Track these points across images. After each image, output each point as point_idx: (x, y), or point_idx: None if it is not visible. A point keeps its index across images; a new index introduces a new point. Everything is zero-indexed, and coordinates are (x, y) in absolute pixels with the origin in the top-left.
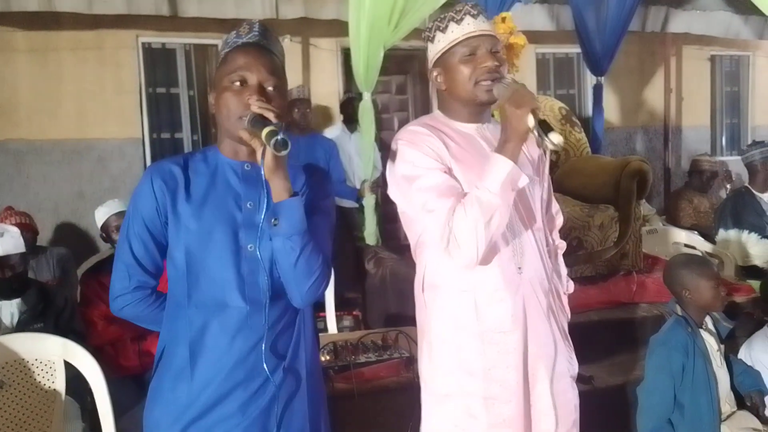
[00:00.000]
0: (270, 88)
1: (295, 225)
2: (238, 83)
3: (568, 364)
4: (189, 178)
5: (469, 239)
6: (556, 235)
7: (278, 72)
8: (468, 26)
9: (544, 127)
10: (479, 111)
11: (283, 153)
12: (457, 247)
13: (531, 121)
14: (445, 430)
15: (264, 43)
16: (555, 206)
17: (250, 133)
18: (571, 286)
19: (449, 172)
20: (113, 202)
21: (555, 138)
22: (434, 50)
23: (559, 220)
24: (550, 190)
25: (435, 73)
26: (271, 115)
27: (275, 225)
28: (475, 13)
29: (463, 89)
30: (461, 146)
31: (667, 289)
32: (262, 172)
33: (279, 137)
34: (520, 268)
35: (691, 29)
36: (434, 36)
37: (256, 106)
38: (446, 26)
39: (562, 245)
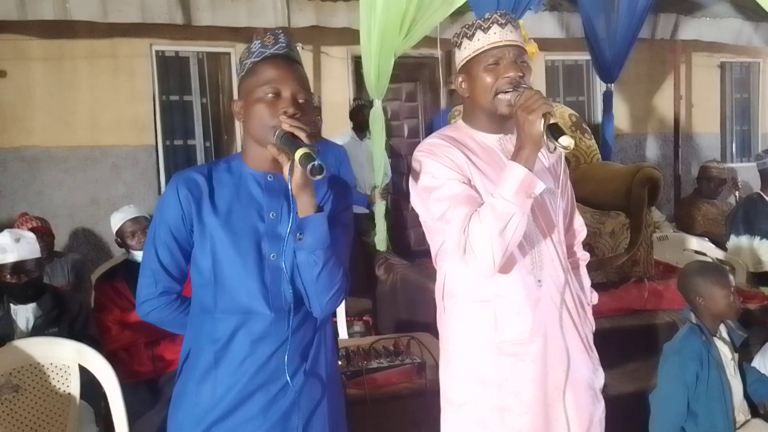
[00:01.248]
0: (301, 101)
1: (320, 240)
2: (271, 95)
3: (592, 376)
4: (213, 188)
5: (484, 247)
6: (579, 246)
7: (307, 85)
8: (494, 35)
9: (555, 130)
10: (501, 121)
11: (319, 178)
12: (474, 256)
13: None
14: None
15: (292, 55)
16: (579, 219)
17: (279, 149)
18: (595, 298)
19: (468, 182)
20: (129, 208)
21: (565, 141)
22: (460, 57)
23: (583, 233)
24: (572, 203)
25: (460, 80)
26: (303, 135)
27: (300, 240)
28: (503, 22)
29: (484, 98)
30: (481, 158)
31: (682, 296)
32: (290, 187)
33: (316, 163)
34: (539, 280)
35: (701, 36)
36: (461, 42)
37: (287, 124)
38: (473, 34)
39: (585, 257)
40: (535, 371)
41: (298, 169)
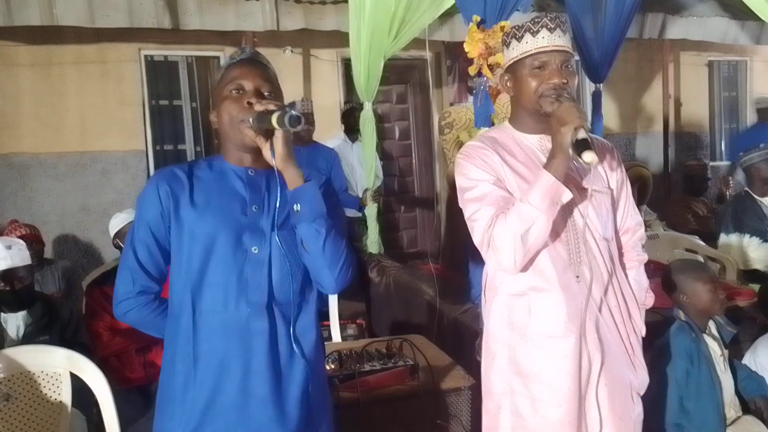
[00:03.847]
0: (266, 93)
1: (317, 207)
2: (235, 91)
3: (631, 377)
4: (193, 184)
5: (506, 246)
6: (635, 247)
7: (272, 79)
8: (542, 40)
9: (581, 145)
10: (544, 121)
11: (300, 128)
12: (495, 253)
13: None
14: (496, 428)
15: (256, 57)
16: (635, 218)
17: (256, 131)
18: (650, 300)
19: (500, 183)
20: (132, 210)
21: (587, 157)
22: (508, 56)
23: (640, 232)
24: (626, 202)
25: (506, 78)
26: (272, 106)
27: (298, 212)
28: (553, 26)
29: (528, 100)
30: (518, 158)
31: (667, 295)
32: (274, 164)
33: (293, 113)
34: (578, 276)
35: (688, 35)
36: (510, 42)
37: (258, 105)
38: (522, 36)
39: (642, 258)
40: (569, 365)
41: (279, 140)
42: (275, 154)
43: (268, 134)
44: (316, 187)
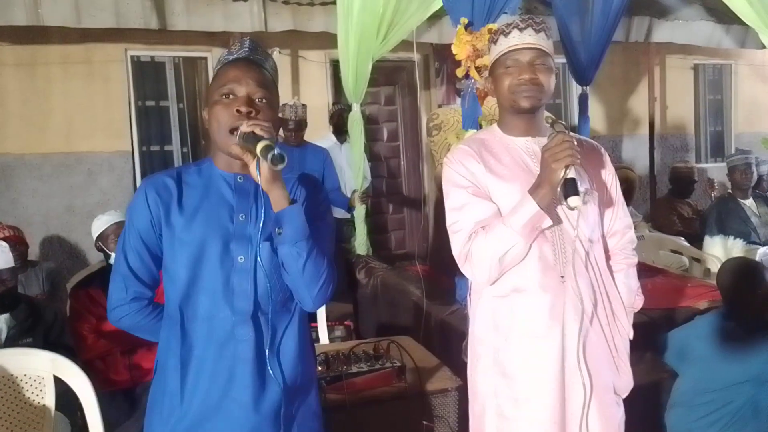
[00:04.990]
0: (258, 100)
1: (300, 231)
2: (225, 97)
3: (615, 379)
4: (182, 191)
5: (483, 264)
6: (623, 249)
7: (267, 84)
8: (513, 39)
9: (569, 186)
10: (526, 122)
11: (281, 167)
12: (472, 267)
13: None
14: (482, 430)
15: (253, 57)
16: (625, 220)
17: (243, 148)
18: (639, 303)
19: (479, 191)
20: (114, 212)
21: (572, 202)
22: (489, 60)
23: (629, 235)
24: (615, 204)
25: (489, 81)
26: (259, 130)
27: (280, 234)
28: (523, 26)
29: (503, 98)
30: (502, 162)
31: (719, 291)
32: (260, 185)
33: (276, 152)
34: (562, 276)
35: (674, 39)
36: (490, 47)
37: (245, 126)
38: (497, 39)
39: (631, 260)
40: (553, 365)
41: (264, 163)
42: (261, 175)
43: (255, 153)
44: (300, 210)
